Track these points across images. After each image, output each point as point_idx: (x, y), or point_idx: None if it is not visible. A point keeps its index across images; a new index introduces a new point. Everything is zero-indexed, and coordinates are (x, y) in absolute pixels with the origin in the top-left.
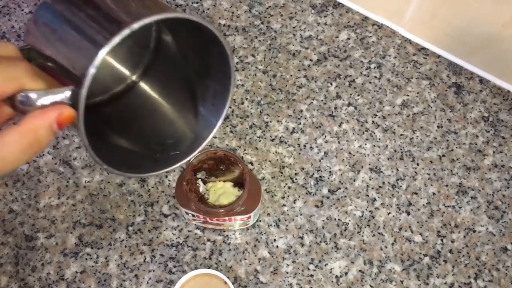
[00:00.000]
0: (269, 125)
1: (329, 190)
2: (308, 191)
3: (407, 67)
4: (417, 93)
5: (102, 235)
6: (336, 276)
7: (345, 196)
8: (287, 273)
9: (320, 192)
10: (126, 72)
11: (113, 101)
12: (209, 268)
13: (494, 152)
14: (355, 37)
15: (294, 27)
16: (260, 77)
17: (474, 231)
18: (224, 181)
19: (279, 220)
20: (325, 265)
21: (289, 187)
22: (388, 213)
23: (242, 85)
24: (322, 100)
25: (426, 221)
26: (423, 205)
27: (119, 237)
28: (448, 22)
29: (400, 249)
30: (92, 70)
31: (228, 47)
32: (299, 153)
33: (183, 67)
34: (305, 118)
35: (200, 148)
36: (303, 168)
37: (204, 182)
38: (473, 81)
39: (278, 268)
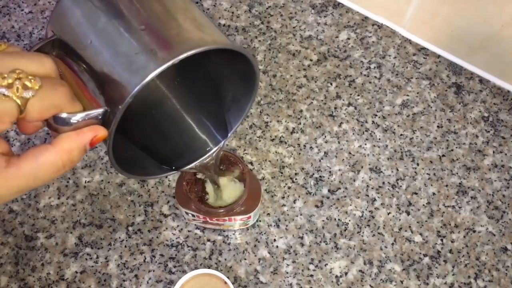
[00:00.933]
0: (269, 125)
1: (329, 190)
2: (308, 191)
3: (407, 67)
4: (417, 93)
5: (102, 235)
6: (336, 276)
7: (345, 196)
8: (287, 273)
9: (320, 192)
10: (156, 82)
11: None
12: (209, 268)
13: (494, 152)
14: (355, 37)
15: (294, 27)
16: (260, 77)
17: (474, 231)
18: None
19: (279, 220)
20: (325, 265)
21: (289, 187)
22: (388, 213)
23: None
24: (322, 100)
25: (426, 221)
26: (423, 205)
27: (119, 237)
28: (448, 22)
29: (400, 249)
30: (131, 99)
31: (257, 69)
32: (299, 153)
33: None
34: (305, 118)
35: (210, 153)
36: (303, 168)
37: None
38: (473, 81)
39: (278, 268)
